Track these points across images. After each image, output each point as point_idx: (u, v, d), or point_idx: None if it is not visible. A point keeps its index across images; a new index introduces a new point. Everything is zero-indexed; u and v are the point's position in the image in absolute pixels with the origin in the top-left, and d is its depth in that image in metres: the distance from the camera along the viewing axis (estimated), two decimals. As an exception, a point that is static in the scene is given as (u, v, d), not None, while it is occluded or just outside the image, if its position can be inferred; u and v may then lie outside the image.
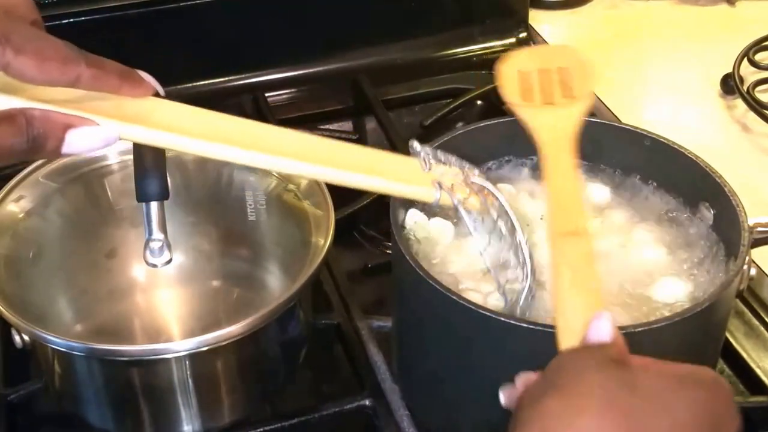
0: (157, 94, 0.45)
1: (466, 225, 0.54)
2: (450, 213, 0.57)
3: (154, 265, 0.60)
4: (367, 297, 0.69)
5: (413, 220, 0.58)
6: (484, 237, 0.54)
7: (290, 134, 0.50)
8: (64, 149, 0.39)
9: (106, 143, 0.40)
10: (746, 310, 0.68)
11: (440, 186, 0.53)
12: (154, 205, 0.58)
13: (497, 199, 0.54)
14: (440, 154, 0.55)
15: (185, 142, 0.43)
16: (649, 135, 0.61)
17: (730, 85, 0.87)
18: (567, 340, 0.42)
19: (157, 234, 0.59)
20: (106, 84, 0.40)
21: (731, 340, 0.65)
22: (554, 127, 0.56)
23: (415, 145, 0.55)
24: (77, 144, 0.39)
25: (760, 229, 0.56)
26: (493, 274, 0.54)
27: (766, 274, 0.67)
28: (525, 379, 0.42)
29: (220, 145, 0.45)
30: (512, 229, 0.53)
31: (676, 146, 0.60)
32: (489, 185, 0.55)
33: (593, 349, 0.41)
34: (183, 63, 0.89)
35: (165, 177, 0.58)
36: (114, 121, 0.40)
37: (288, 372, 0.63)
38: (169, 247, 0.59)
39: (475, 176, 0.55)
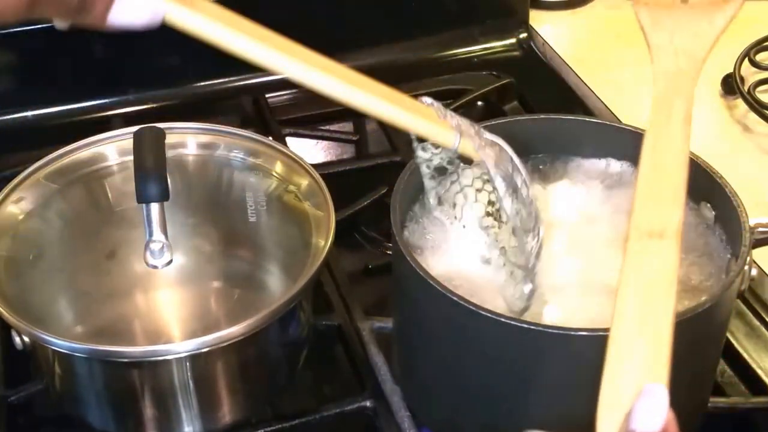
0: None
1: (486, 170, 0.52)
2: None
3: (155, 267, 0.60)
4: (368, 298, 0.69)
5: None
6: (502, 185, 0.52)
7: (325, 59, 0.49)
8: (111, 18, 0.38)
9: (152, 19, 0.39)
10: (747, 311, 0.68)
11: (461, 132, 0.51)
12: (154, 207, 0.58)
13: (508, 154, 0.52)
14: (449, 112, 0.53)
15: (226, 35, 0.42)
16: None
17: (730, 85, 0.87)
18: (605, 415, 0.34)
19: (157, 235, 0.59)
20: None
21: (732, 340, 0.65)
22: (681, 50, 0.43)
23: (426, 99, 0.53)
24: (124, 13, 0.38)
25: (761, 229, 0.56)
26: (511, 224, 0.52)
27: (767, 274, 0.67)
28: None
29: (258, 44, 0.44)
30: (522, 185, 0.51)
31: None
32: (500, 141, 0.52)
33: None
34: (183, 64, 0.89)
35: (165, 178, 0.58)
36: None
37: (289, 373, 0.63)
38: (169, 248, 0.59)
39: (486, 134, 0.53)
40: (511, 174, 0.52)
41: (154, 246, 0.59)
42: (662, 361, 0.35)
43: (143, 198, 0.58)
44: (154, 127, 0.62)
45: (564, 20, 1.02)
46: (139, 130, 0.61)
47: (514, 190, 0.52)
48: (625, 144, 0.62)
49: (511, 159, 0.52)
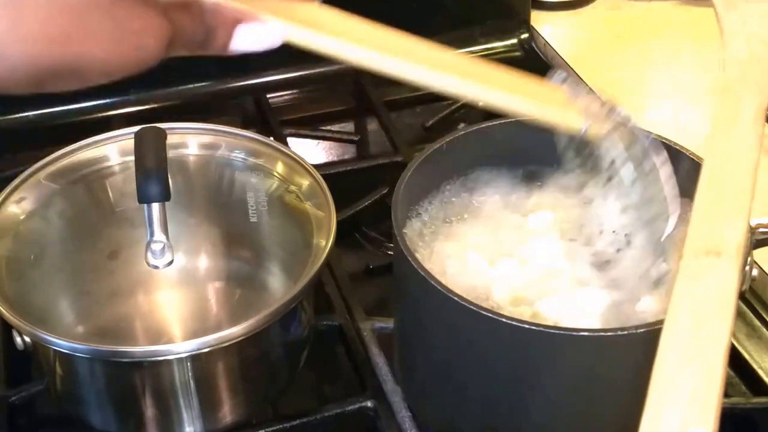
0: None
1: (613, 156, 0.49)
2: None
3: (156, 267, 0.60)
4: (369, 298, 0.69)
5: None
6: (630, 169, 0.49)
7: (447, 54, 0.47)
8: (233, 45, 0.39)
9: (272, 43, 0.40)
10: (748, 311, 0.68)
11: (590, 117, 0.48)
12: (155, 207, 0.58)
13: (638, 137, 0.49)
14: (582, 90, 0.51)
15: (349, 49, 0.42)
16: (650, 136, 0.61)
17: (731, 85, 0.87)
18: None
19: (158, 235, 0.59)
20: None
21: (733, 341, 0.65)
22: (755, 37, 0.37)
23: (559, 75, 0.50)
24: (245, 40, 0.39)
25: (762, 230, 0.55)
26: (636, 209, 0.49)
27: (767, 274, 0.67)
28: None
29: (384, 55, 0.43)
30: (652, 169, 0.48)
31: (677, 147, 0.60)
32: (633, 122, 0.49)
33: None
34: (185, 64, 0.89)
35: (166, 178, 0.58)
36: (281, 21, 0.39)
37: (290, 373, 0.63)
38: (170, 248, 0.59)
39: (619, 112, 0.50)
40: (641, 158, 0.49)
41: (156, 246, 0.59)
42: (711, 402, 0.30)
43: (144, 198, 0.58)
44: (155, 127, 0.62)
45: (565, 21, 1.02)
46: (140, 130, 0.61)
47: (642, 174, 0.49)
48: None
49: (643, 143, 0.49)
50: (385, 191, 0.77)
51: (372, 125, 0.89)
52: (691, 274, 0.33)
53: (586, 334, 0.49)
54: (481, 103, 0.49)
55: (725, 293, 0.32)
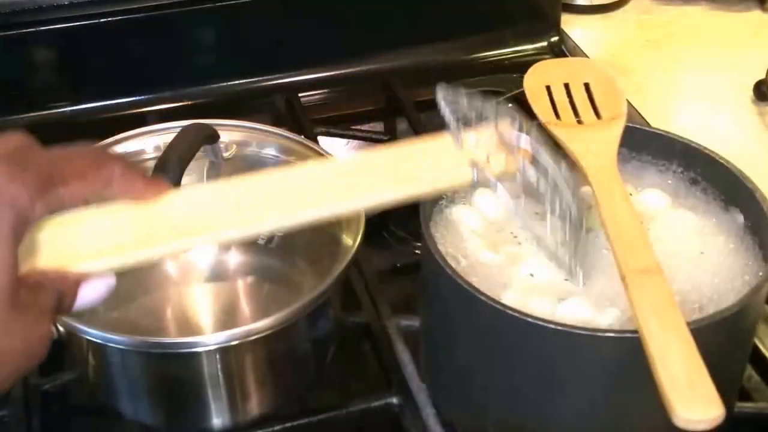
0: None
1: (502, 195, 0.49)
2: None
3: None
4: (396, 296, 0.69)
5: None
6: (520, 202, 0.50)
7: (306, 174, 0.46)
8: (78, 303, 0.40)
9: (107, 286, 0.41)
10: (775, 317, 0.68)
11: (476, 165, 0.47)
12: None
13: (538, 155, 0.48)
14: (466, 101, 0.50)
15: (201, 240, 0.43)
16: (680, 140, 0.61)
17: (763, 91, 0.86)
18: (677, 394, 0.42)
19: None
20: (132, 178, 0.40)
21: (760, 346, 0.65)
22: (598, 153, 0.53)
23: (441, 99, 0.51)
24: (89, 296, 0.40)
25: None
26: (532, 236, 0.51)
27: (796, 281, 0.66)
28: None
29: (245, 226, 0.44)
30: (554, 187, 0.49)
31: (707, 151, 0.60)
32: (526, 142, 0.48)
33: None
34: (218, 62, 0.91)
35: (178, 178, 0.58)
36: (132, 253, 0.41)
37: (316, 369, 0.64)
38: None
39: (510, 134, 0.48)
40: (537, 180, 0.49)
41: None
42: (692, 348, 0.45)
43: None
44: (201, 124, 0.62)
45: (595, 24, 1.02)
46: (189, 125, 0.62)
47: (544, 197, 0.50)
48: (655, 148, 0.62)
49: (542, 163, 0.49)
50: (413, 191, 0.77)
51: (402, 125, 0.89)
52: (638, 285, 0.47)
53: (612, 335, 0.49)
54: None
55: (668, 292, 0.47)
